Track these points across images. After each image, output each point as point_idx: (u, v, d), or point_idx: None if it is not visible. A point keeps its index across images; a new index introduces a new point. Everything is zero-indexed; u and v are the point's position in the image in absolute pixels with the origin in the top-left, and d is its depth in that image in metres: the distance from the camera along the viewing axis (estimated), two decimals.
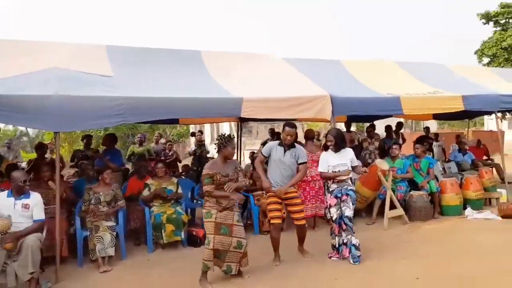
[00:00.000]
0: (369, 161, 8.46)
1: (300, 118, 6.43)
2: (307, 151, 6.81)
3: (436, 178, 7.62)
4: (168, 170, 8.91)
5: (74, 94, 4.87)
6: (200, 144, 9.74)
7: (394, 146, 7.21)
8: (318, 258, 5.08)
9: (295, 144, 4.94)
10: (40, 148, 7.48)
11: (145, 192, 6.05)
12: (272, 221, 4.87)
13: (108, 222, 5.42)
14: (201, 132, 10.29)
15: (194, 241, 5.95)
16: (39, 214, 4.62)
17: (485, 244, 5.36)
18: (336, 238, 4.91)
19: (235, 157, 4.89)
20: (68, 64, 5.72)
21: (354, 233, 4.86)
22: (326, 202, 4.98)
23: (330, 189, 4.92)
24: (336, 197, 4.86)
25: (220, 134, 4.48)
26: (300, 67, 7.30)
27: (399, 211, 6.70)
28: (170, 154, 9.14)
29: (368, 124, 10.09)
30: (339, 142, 4.92)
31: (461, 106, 7.30)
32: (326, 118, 6.32)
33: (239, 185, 4.45)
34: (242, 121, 9.98)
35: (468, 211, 6.98)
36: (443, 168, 8.49)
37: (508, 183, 9.82)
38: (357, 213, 7.23)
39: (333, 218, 4.89)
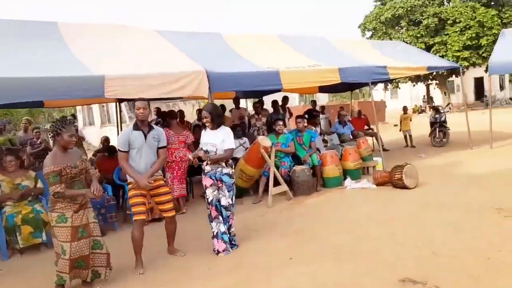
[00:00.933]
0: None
1: (177, 96, 5.96)
2: (172, 131, 6.46)
3: (319, 151, 7.76)
4: (36, 161, 7.96)
5: None
6: None
7: (280, 123, 7.12)
8: (192, 247, 4.76)
9: (152, 125, 4.40)
10: None
11: None
12: (135, 218, 4.19)
13: None
14: (73, 116, 9.29)
15: None
16: None
17: (358, 213, 5.49)
18: (213, 223, 4.48)
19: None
20: None
21: (228, 222, 4.48)
22: (203, 183, 4.62)
23: (205, 171, 4.52)
24: (210, 177, 4.46)
25: (55, 119, 3.80)
26: (175, 40, 6.79)
27: (283, 187, 6.67)
28: (38, 142, 8.08)
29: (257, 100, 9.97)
30: (215, 118, 4.45)
31: (338, 78, 7.45)
32: (203, 95, 5.96)
33: (95, 182, 3.77)
34: (120, 101, 9.19)
35: (347, 181, 7.22)
36: (325, 140, 8.69)
37: (384, 150, 10.54)
38: (244, 191, 7.15)
39: (209, 200, 4.46)
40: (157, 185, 4.33)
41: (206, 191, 4.48)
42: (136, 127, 4.25)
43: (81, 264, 3.74)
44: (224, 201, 4.41)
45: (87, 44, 6.07)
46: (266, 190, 6.71)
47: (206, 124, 4.51)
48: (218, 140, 4.42)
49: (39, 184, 5.46)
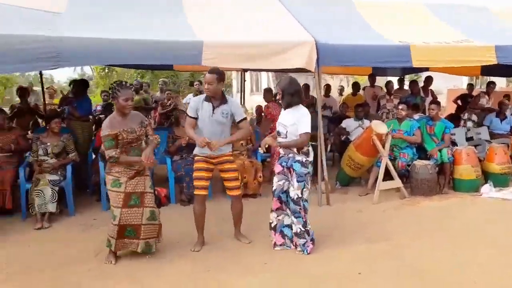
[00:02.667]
0: (386, 121, 7.35)
1: (280, 68, 5.46)
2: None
3: (456, 144, 6.42)
4: (165, 121, 8.48)
5: (3, 33, 4.31)
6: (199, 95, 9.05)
7: (400, 106, 6.06)
8: (260, 233, 4.32)
9: (227, 98, 3.99)
10: (21, 92, 7.20)
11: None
12: (195, 192, 4.01)
13: (52, 175, 5.02)
14: (200, 82, 9.54)
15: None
16: None
17: (480, 232, 4.30)
18: (273, 214, 3.97)
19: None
20: None
21: (301, 217, 3.83)
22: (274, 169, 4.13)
23: (280, 156, 4.02)
24: (281, 164, 3.92)
25: (113, 82, 3.72)
26: (294, 7, 6.18)
27: (396, 182, 5.69)
28: (168, 104, 8.58)
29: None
30: (285, 96, 3.80)
31: (493, 59, 5.88)
32: (310, 68, 5.33)
33: (149, 150, 3.65)
34: (245, 70, 9.09)
35: (486, 187, 5.77)
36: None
37: None
38: (352, 180, 6.38)
39: (272, 189, 3.95)
40: (224, 160, 4.01)
41: (274, 178, 3.96)
42: (207, 97, 3.93)
43: (131, 233, 3.69)
44: (292, 193, 3.79)
45: (204, 8, 5.96)
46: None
47: (280, 102, 3.92)
48: (289, 121, 3.80)
49: None
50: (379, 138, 5.56)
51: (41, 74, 7.91)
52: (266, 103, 6.93)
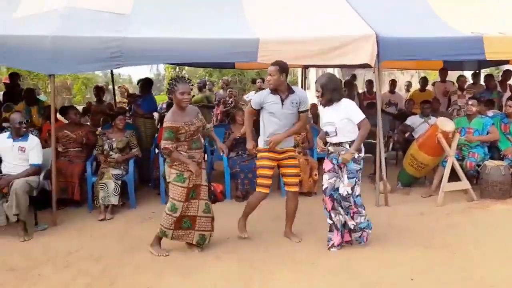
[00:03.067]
0: (456, 118, 6.86)
1: (337, 64, 5.30)
2: None
3: None
4: (225, 118, 8.65)
5: (70, 35, 4.65)
6: None
7: (470, 102, 5.61)
8: (311, 231, 4.24)
9: (293, 88, 3.95)
10: (97, 91, 7.69)
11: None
12: (257, 189, 3.98)
13: (115, 170, 5.30)
14: (262, 79, 9.54)
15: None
16: (35, 158, 4.66)
17: None
18: (331, 213, 3.84)
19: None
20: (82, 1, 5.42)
21: (349, 214, 3.74)
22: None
23: (328, 151, 3.87)
24: (331, 161, 3.80)
25: (173, 77, 3.82)
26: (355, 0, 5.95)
27: (463, 184, 5.28)
28: (229, 101, 8.72)
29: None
30: (326, 93, 3.68)
31: None
32: (370, 63, 5.10)
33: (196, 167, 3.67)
34: (306, 67, 8.93)
35: None
36: None
37: None
38: (414, 180, 6.03)
39: (323, 188, 3.84)
40: (288, 155, 4.00)
41: (324, 176, 3.85)
42: (273, 91, 3.91)
43: (187, 224, 3.78)
44: (342, 189, 3.69)
45: (262, 3, 5.91)
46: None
47: (319, 100, 3.81)
48: (336, 117, 3.67)
49: None
50: (445, 136, 5.21)
51: (112, 73, 8.40)
52: None
